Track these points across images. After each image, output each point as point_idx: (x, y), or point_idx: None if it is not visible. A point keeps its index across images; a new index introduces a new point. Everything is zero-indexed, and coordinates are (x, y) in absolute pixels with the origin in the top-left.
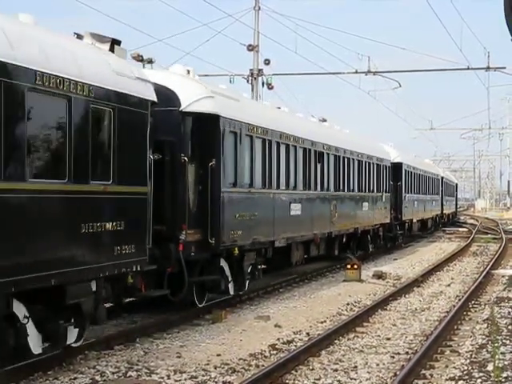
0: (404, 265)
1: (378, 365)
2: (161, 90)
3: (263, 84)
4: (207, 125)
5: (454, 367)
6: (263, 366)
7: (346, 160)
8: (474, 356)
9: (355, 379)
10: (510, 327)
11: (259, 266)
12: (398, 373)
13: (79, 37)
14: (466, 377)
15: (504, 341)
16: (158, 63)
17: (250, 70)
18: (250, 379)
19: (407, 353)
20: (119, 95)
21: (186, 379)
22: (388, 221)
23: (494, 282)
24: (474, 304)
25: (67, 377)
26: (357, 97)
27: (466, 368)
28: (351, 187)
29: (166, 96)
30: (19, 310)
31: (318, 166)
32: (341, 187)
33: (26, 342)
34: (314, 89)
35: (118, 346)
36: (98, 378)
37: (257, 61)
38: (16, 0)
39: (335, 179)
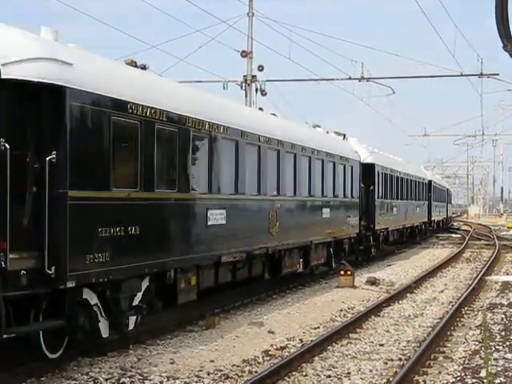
0: (397, 271)
1: (371, 371)
2: None
3: (257, 90)
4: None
5: (447, 373)
6: (256, 372)
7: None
8: (466, 362)
9: None
10: (502, 333)
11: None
12: (391, 379)
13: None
14: (459, 383)
15: (497, 347)
16: (152, 69)
17: (244, 76)
18: None
19: (400, 359)
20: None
21: None
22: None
23: (487, 288)
24: (467, 310)
25: (60, 383)
26: (350, 103)
27: (459, 374)
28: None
29: None
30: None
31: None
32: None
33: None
34: (307, 95)
35: (111, 352)
36: None
37: (250, 67)
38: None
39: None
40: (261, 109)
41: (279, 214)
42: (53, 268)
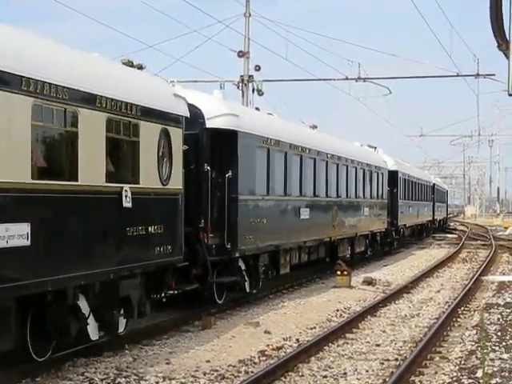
0: (394, 271)
1: (367, 371)
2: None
3: (253, 90)
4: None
5: (444, 373)
6: (252, 372)
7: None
8: (463, 362)
9: None
10: (499, 333)
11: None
12: (387, 379)
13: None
14: (456, 383)
15: (493, 347)
16: (149, 69)
17: (241, 76)
18: None
19: (397, 359)
20: None
21: None
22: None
23: (483, 288)
24: (464, 310)
25: None
26: (347, 103)
27: (455, 374)
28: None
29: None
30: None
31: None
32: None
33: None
34: (304, 95)
35: (106, 352)
36: None
37: (247, 67)
38: None
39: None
40: (257, 109)
41: (338, 212)
42: (229, 244)
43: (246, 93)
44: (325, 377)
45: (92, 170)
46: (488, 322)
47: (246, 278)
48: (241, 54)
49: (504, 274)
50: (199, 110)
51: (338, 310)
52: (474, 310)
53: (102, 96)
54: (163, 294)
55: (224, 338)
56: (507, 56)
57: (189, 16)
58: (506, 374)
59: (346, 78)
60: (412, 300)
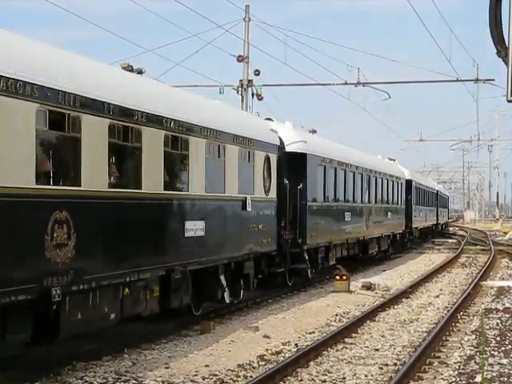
0: (393, 276)
1: (366, 376)
2: None
3: (253, 95)
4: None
5: (442, 378)
6: (251, 376)
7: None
8: (462, 367)
9: None
10: (498, 338)
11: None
12: None
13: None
14: None
15: (492, 352)
16: (148, 74)
17: (240, 80)
18: None
19: (395, 364)
20: None
21: None
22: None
23: (482, 293)
24: (463, 315)
25: None
26: (346, 108)
27: (454, 379)
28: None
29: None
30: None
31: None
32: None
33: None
34: (303, 99)
35: (105, 356)
36: None
37: (247, 71)
38: None
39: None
40: (314, 131)
41: (369, 215)
42: (300, 239)
43: (246, 97)
44: (324, 381)
45: (233, 186)
46: (487, 327)
47: (309, 266)
48: (240, 59)
49: (503, 279)
50: (280, 138)
51: (337, 315)
52: (473, 315)
53: (235, 134)
54: (261, 275)
55: (223, 342)
56: (506, 63)
57: (188, 21)
58: (505, 379)
59: (346, 83)
60: (411, 305)
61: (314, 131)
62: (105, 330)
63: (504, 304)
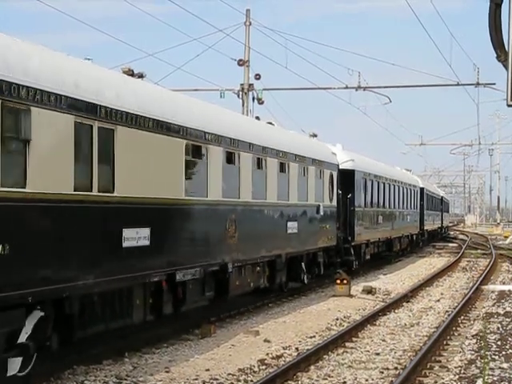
0: (393, 280)
1: (367, 380)
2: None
3: (253, 99)
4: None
5: (443, 383)
6: (252, 381)
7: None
8: (463, 371)
9: None
10: (499, 343)
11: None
12: None
13: (407, 170)
14: None
15: (493, 356)
16: (149, 78)
17: (241, 84)
18: None
19: (396, 368)
20: None
21: None
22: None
23: (483, 297)
24: (464, 319)
25: None
26: (347, 112)
27: (454, 383)
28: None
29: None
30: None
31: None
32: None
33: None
34: (304, 104)
35: (106, 360)
36: None
37: (247, 76)
38: None
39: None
40: (258, 117)
41: (394, 218)
42: (349, 237)
43: (246, 101)
44: None
45: (303, 194)
46: (488, 331)
47: (354, 259)
48: (241, 63)
49: (504, 283)
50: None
51: (337, 319)
52: (474, 319)
53: (313, 159)
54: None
55: (223, 346)
56: (506, 67)
57: (189, 25)
58: None
59: (346, 87)
60: (412, 309)
61: (314, 135)
62: (246, 294)
63: (505, 308)
